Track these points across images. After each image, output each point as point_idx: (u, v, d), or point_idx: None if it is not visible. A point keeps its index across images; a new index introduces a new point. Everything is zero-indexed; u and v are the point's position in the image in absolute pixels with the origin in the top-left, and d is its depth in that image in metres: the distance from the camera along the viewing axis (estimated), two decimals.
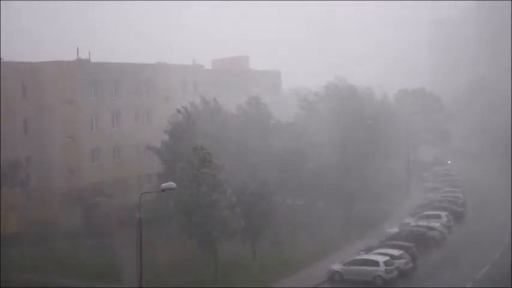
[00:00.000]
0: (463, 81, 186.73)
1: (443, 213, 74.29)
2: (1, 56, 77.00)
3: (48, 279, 53.98)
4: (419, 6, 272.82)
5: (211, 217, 51.62)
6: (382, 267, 54.15)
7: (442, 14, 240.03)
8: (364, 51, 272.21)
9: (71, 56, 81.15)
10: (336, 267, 56.17)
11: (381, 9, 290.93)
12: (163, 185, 39.83)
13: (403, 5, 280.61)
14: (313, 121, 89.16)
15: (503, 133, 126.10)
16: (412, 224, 71.10)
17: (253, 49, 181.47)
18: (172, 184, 39.58)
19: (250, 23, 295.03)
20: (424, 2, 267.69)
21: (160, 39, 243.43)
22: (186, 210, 52.13)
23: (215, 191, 51.87)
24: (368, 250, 60.35)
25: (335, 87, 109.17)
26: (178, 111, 72.23)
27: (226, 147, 69.80)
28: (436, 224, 69.43)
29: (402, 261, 56.13)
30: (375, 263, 54.75)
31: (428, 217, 73.01)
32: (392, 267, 54.45)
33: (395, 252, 57.02)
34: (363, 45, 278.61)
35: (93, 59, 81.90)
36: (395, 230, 69.37)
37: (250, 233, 57.67)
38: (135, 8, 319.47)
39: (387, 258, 55.28)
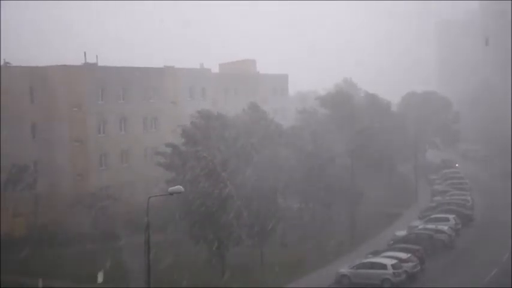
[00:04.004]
0: (469, 83, 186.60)
1: (451, 216, 74.06)
2: (8, 60, 77.57)
3: (56, 283, 54.05)
4: (425, 10, 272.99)
5: (218, 223, 51.67)
6: (390, 271, 54.11)
7: (447, 16, 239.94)
8: (369, 53, 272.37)
9: (78, 60, 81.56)
10: (344, 270, 56.16)
11: (385, 12, 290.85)
12: (171, 189, 39.78)
13: (408, 7, 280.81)
14: (315, 127, 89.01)
15: (509, 135, 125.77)
16: (420, 227, 70.96)
17: (260, 52, 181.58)
18: (180, 188, 39.52)
19: (256, 26, 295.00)
20: (430, 4, 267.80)
21: (165, 43, 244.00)
22: (193, 216, 52.17)
23: (223, 198, 51.93)
24: (376, 253, 60.31)
25: (339, 92, 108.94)
26: (195, 116, 72.13)
27: (234, 152, 69.79)
28: (444, 227, 69.24)
29: (410, 264, 56.05)
30: (383, 266, 54.72)
31: (436, 220, 72.82)
32: (400, 271, 54.36)
33: (403, 255, 56.94)
34: (368, 47, 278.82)
35: (100, 63, 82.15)
36: (403, 233, 69.27)
37: (257, 236, 57.67)
38: (138, 12, 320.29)
39: (395, 261, 55.22)
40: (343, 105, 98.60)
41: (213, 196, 51.98)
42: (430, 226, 69.71)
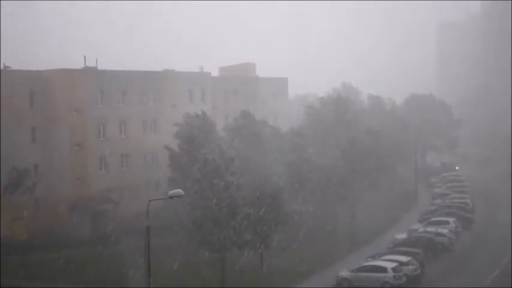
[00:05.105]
0: (469, 84, 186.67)
1: (451, 219, 74.02)
2: (9, 64, 77.61)
3: (56, 287, 54.10)
4: (426, 11, 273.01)
5: (222, 226, 51.59)
6: (390, 274, 54.06)
7: (449, 18, 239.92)
8: (369, 54, 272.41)
9: (78, 64, 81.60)
10: (344, 273, 56.11)
11: (388, 15, 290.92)
12: (171, 193, 39.68)
13: (409, 9, 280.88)
14: (320, 128, 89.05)
15: (509, 138, 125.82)
16: (420, 230, 70.89)
17: (260, 56, 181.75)
18: (180, 191, 39.45)
19: (257, 29, 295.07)
20: (431, 5, 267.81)
21: (166, 46, 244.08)
22: (196, 219, 52.08)
23: (227, 201, 51.87)
24: (376, 256, 60.25)
25: (340, 95, 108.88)
26: (197, 116, 72.09)
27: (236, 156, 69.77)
28: (444, 230, 69.20)
29: (410, 267, 55.99)
30: (383, 270, 54.68)
31: (436, 223, 72.75)
32: (400, 274, 54.32)
33: (404, 258, 56.89)
34: (368, 48, 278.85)
35: (100, 67, 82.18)
36: (403, 236, 69.19)
37: (259, 240, 57.52)
38: (137, 14, 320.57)
39: (395, 264, 55.19)
40: (344, 108, 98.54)
41: (218, 199, 51.90)
42: (430, 229, 69.66)
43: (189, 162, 63.29)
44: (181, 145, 72.09)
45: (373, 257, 60.13)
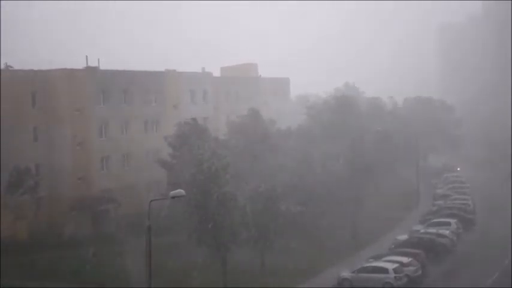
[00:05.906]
0: (470, 85, 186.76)
1: (452, 221, 74.02)
2: (10, 64, 77.70)
3: (57, 286, 54.11)
4: (427, 12, 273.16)
5: (222, 226, 51.63)
6: (392, 275, 54.08)
7: (450, 20, 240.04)
8: (371, 57, 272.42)
9: (80, 64, 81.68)
10: (345, 274, 56.14)
11: (388, 15, 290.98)
12: (172, 193, 39.69)
13: (409, 9, 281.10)
14: (321, 128, 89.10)
15: (509, 138, 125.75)
16: (422, 231, 70.91)
17: (262, 56, 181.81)
18: (181, 191, 39.48)
19: (258, 30, 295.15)
20: (431, 5, 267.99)
21: (168, 46, 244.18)
22: (196, 219, 52.15)
23: (226, 202, 51.90)
24: (377, 257, 60.25)
25: (343, 96, 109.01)
26: (186, 122, 72.32)
27: (234, 156, 69.81)
28: (445, 231, 69.20)
29: (411, 268, 56.00)
30: (384, 270, 54.69)
31: (437, 224, 72.76)
32: (401, 275, 54.36)
33: (405, 259, 56.90)
34: (370, 51, 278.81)
35: (102, 67, 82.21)
36: (404, 237, 69.19)
37: (260, 240, 57.55)
38: (140, 13, 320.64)
39: (396, 265, 55.20)
40: (346, 109, 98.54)
41: (213, 198, 51.94)
42: (432, 230, 69.68)
43: (183, 166, 63.36)
44: (173, 151, 72.20)
45: (374, 258, 60.14)
